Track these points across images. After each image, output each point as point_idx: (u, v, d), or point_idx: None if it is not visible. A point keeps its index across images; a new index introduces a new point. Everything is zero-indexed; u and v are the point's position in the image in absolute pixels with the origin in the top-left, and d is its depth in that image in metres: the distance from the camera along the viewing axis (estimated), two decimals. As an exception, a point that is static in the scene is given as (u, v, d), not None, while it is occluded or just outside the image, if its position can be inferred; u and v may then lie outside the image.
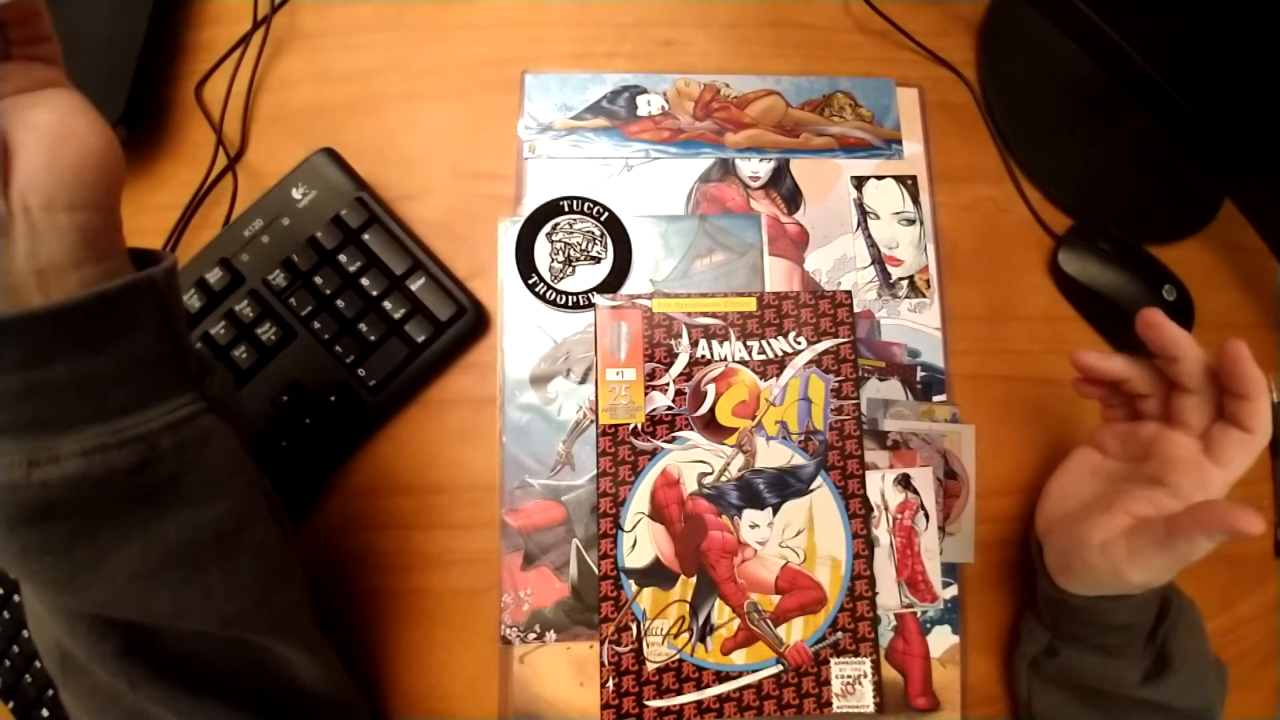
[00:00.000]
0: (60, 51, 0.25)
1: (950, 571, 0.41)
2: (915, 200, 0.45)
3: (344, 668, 0.34)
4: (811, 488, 0.40)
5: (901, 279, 0.44)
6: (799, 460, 0.40)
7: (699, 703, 0.37)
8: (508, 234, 0.42)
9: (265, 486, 0.30)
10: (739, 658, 0.38)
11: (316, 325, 0.40)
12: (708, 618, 0.38)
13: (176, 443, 0.24)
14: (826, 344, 0.41)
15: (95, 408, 0.23)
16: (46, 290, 0.22)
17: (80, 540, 0.23)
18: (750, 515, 0.39)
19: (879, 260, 0.44)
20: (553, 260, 0.42)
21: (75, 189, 0.23)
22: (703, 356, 0.40)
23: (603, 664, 0.37)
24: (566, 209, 0.42)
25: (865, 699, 0.38)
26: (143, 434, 0.23)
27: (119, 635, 0.26)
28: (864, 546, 0.39)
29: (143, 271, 0.24)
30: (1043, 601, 0.37)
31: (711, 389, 0.40)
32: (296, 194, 0.41)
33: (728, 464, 0.40)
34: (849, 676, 0.38)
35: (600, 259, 0.42)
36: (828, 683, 0.38)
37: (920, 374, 0.42)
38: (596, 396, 0.40)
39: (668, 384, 0.40)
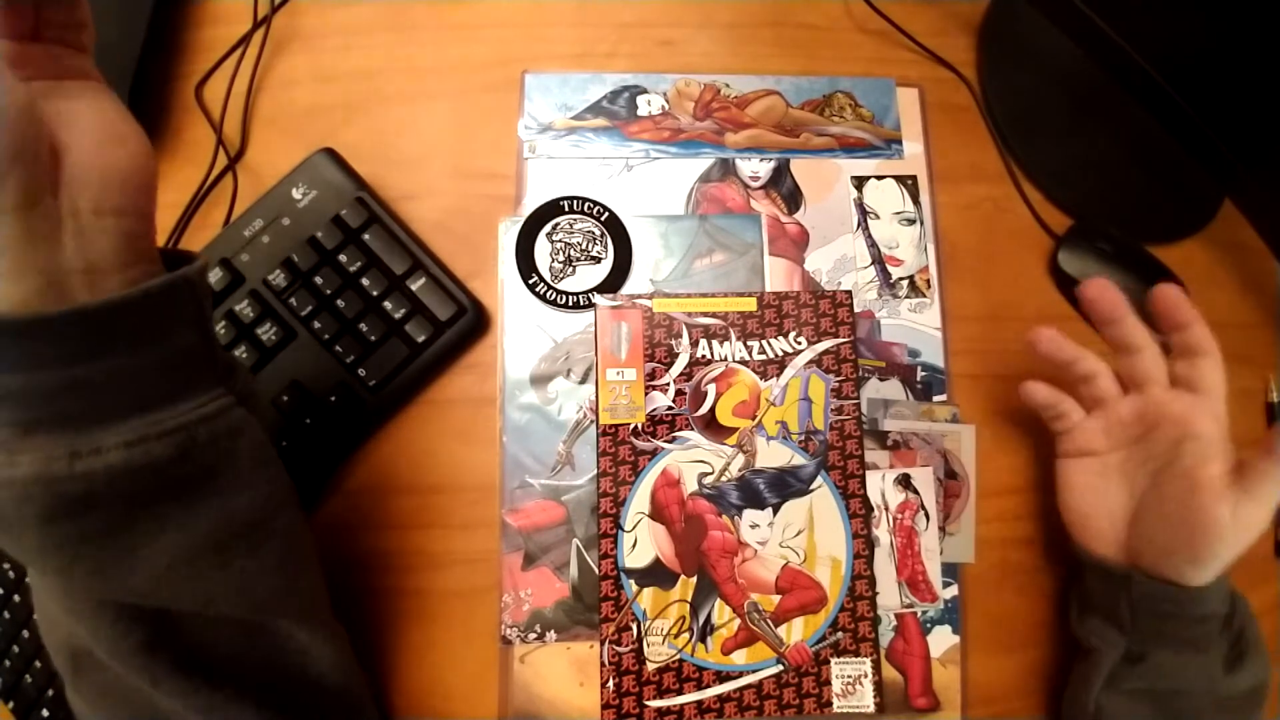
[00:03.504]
0: (94, 42, 0.25)
1: (950, 571, 0.41)
2: (915, 200, 0.45)
3: (357, 659, 0.35)
4: (812, 488, 0.40)
5: (901, 279, 0.44)
6: (799, 460, 0.40)
7: (699, 703, 0.37)
8: (508, 234, 0.42)
9: (287, 478, 0.30)
10: (739, 658, 0.38)
11: (316, 325, 0.40)
12: (708, 618, 0.38)
13: (211, 434, 0.25)
14: (826, 344, 0.41)
15: (134, 402, 0.24)
16: (92, 290, 0.23)
17: (118, 530, 0.24)
18: (750, 515, 0.39)
19: (879, 260, 0.44)
20: (553, 260, 0.42)
21: (122, 194, 0.24)
22: (703, 356, 0.40)
23: (603, 664, 0.37)
24: (566, 209, 0.42)
25: (865, 699, 0.38)
26: (180, 425, 0.24)
27: (144, 628, 0.26)
28: (864, 546, 0.39)
29: (180, 270, 0.25)
30: (1128, 607, 0.35)
31: (712, 389, 0.40)
32: (296, 194, 0.41)
33: (728, 464, 0.40)
34: (849, 676, 0.38)
35: (600, 259, 0.42)
36: (828, 683, 0.38)
37: (920, 374, 0.42)
38: (597, 396, 0.40)
39: (668, 384, 0.40)
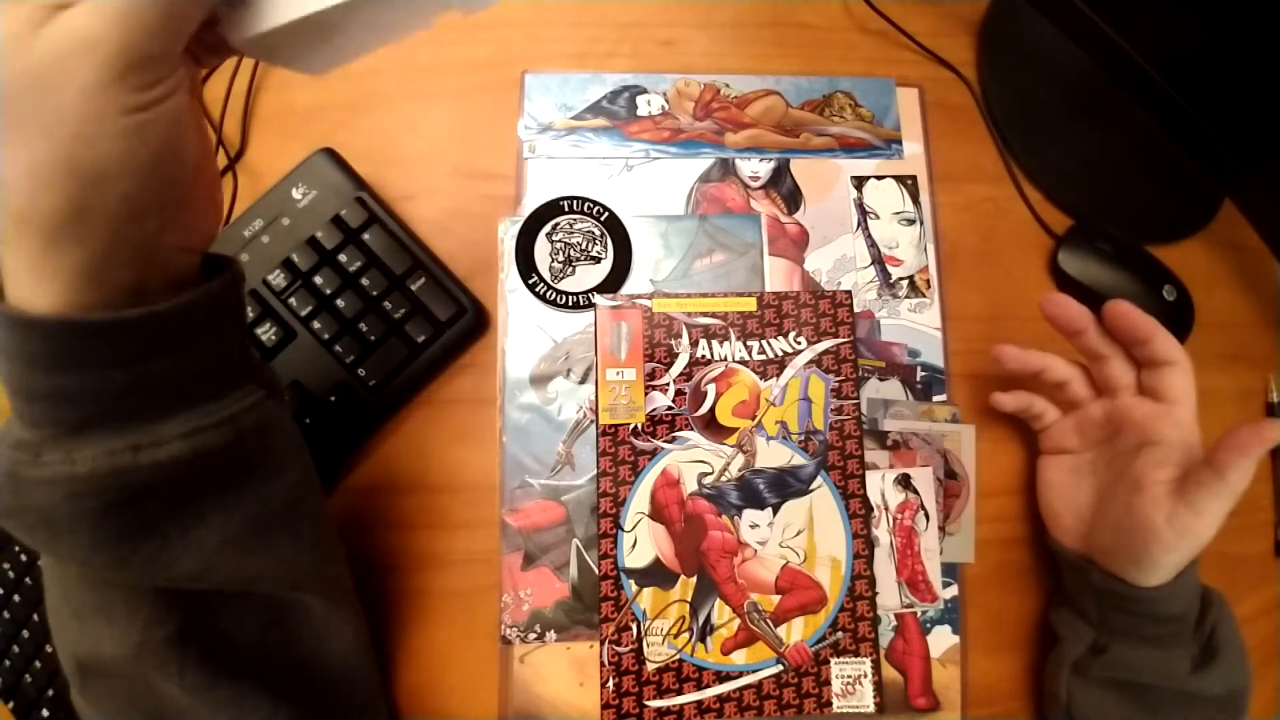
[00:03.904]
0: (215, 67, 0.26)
1: (950, 571, 0.41)
2: (915, 200, 0.45)
3: (372, 646, 0.36)
4: (811, 488, 0.40)
5: (901, 279, 0.44)
6: (799, 460, 0.40)
7: (699, 703, 0.37)
8: (508, 234, 0.42)
9: (313, 464, 0.32)
10: (739, 658, 0.38)
11: (316, 325, 0.40)
12: (708, 618, 0.38)
13: (254, 423, 0.26)
14: (826, 344, 0.41)
15: (186, 397, 0.25)
16: (158, 300, 0.24)
17: (173, 517, 0.25)
18: (750, 515, 0.39)
19: (879, 260, 0.44)
20: (553, 260, 0.42)
21: (205, 242, 0.26)
22: (703, 356, 0.40)
23: (603, 664, 0.37)
24: (566, 209, 0.42)
25: (865, 699, 0.38)
26: (229, 416, 0.25)
27: (179, 618, 0.27)
28: (864, 546, 0.39)
29: (228, 273, 0.26)
30: (1092, 600, 0.37)
31: (711, 389, 0.40)
32: (296, 194, 0.41)
33: (728, 464, 0.40)
34: (849, 676, 0.38)
35: (600, 259, 0.42)
36: (828, 683, 0.38)
37: (920, 374, 0.42)
38: (596, 396, 0.40)
39: (668, 384, 0.40)
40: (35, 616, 0.39)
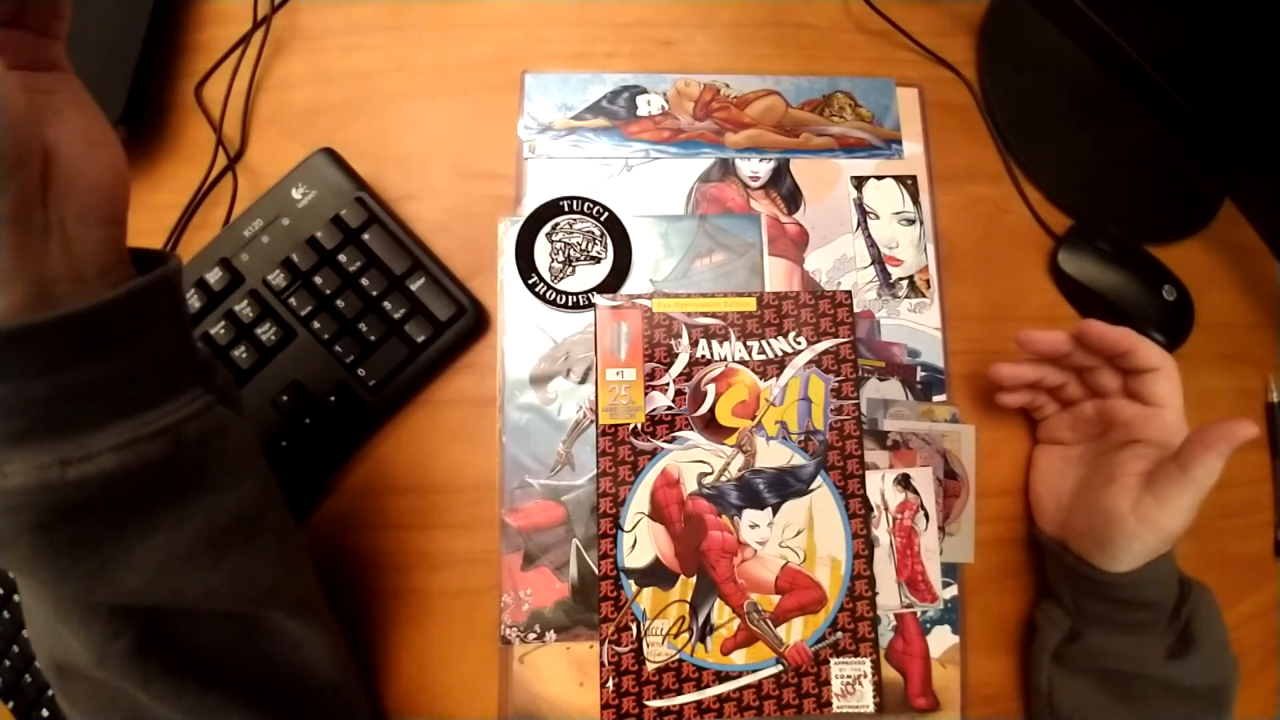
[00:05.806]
0: (65, 32, 0.25)
1: (950, 571, 0.41)
2: (915, 200, 0.45)
3: (352, 655, 0.35)
4: (811, 488, 0.40)
5: (901, 279, 0.44)
6: (799, 460, 0.40)
7: (699, 703, 0.37)
8: (508, 234, 0.42)
9: (273, 474, 0.30)
10: (739, 658, 0.38)
11: (316, 325, 0.40)
12: (708, 618, 0.38)
13: (199, 432, 0.25)
14: (826, 344, 0.41)
15: (119, 405, 0.23)
16: (78, 296, 0.23)
17: (112, 533, 0.24)
18: (750, 515, 0.39)
19: (879, 260, 0.44)
20: (553, 260, 0.42)
21: (106, 204, 0.24)
22: (703, 356, 0.40)
23: (603, 664, 0.37)
24: (566, 209, 0.42)
25: (865, 699, 0.38)
26: (167, 426, 0.24)
27: (135, 631, 0.26)
28: (864, 546, 0.39)
29: (160, 270, 0.25)
30: (1067, 586, 0.38)
31: (711, 389, 0.40)
32: (296, 194, 0.41)
33: (728, 464, 0.40)
34: (849, 676, 0.38)
35: (600, 259, 0.42)
36: (828, 683, 0.38)
37: (920, 374, 0.42)
38: (596, 396, 0.40)
39: (668, 384, 0.40)
40: (25, 623, 0.39)
